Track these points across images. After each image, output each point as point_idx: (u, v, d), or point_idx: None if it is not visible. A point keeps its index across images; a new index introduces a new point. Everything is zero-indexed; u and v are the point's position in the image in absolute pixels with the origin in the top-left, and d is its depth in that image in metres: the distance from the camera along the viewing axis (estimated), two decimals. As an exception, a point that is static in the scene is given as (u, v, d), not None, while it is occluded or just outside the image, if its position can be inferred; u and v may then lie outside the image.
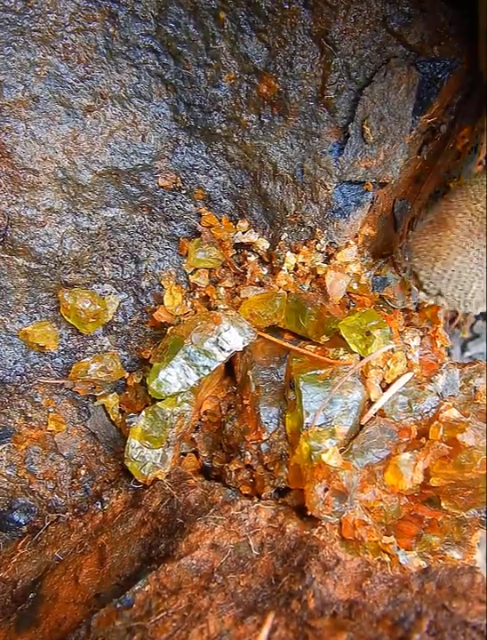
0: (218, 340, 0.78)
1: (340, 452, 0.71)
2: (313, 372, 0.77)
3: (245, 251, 0.88)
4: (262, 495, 0.75)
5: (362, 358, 0.78)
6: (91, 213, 0.80)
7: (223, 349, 0.78)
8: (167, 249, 0.86)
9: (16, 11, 0.70)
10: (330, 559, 0.60)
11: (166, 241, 0.86)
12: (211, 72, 0.77)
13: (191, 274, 0.87)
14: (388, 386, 0.80)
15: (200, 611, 0.56)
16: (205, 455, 0.86)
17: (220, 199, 0.86)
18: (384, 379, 0.80)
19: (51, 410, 0.84)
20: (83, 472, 0.85)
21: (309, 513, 0.67)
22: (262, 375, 0.82)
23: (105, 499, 0.82)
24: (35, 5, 0.70)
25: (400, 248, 0.86)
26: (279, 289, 0.86)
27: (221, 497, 0.74)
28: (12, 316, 0.81)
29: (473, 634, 0.49)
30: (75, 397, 0.86)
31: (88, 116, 0.76)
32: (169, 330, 0.81)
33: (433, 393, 0.80)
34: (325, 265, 0.87)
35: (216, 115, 0.80)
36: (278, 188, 0.84)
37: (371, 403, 0.79)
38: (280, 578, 0.60)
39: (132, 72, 0.76)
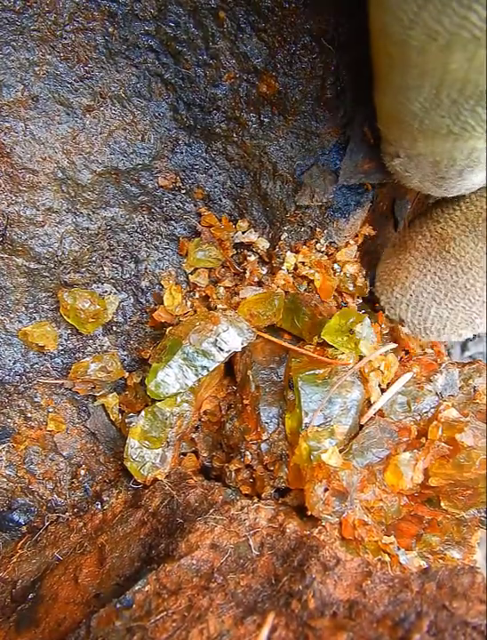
0: (216, 340, 0.78)
1: (340, 451, 0.71)
2: (311, 371, 0.77)
3: (245, 250, 0.88)
4: (262, 495, 0.75)
5: (361, 358, 0.78)
6: (90, 213, 0.80)
7: (222, 350, 0.78)
8: (167, 249, 0.86)
9: (15, 10, 0.70)
10: (330, 559, 0.60)
11: (166, 241, 0.86)
12: (210, 71, 0.77)
13: (191, 274, 0.87)
14: (388, 385, 0.80)
15: (200, 611, 0.56)
16: (205, 455, 0.86)
17: (220, 199, 0.86)
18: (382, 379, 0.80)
19: (50, 410, 0.84)
20: (82, 472, 0.85)
21: (309, 513, 0.67)
22: (262, 375, 0.82)
23: (105, 499, 0.82)
24: (35, 5, 0.70)
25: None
26: (277, 288, 0.86)
27: (221, 497, 0.73)
28: (12, 315, 0.81)
29: (473, 634, 0.49)
30: (75, 397, 0.85)
31: (87, 115, 0.76)
32: (168, 330, 0.81)
33: (432, 393, 0.80)
34: (311, 270, 0.86)
35: (216, 114, 0.80)
36: (278, 187, 0.84)
37: (370, 402, 0.79)
38: (280, 578, 0.60)
39: (132, 71, 0.76)
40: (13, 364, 0.82)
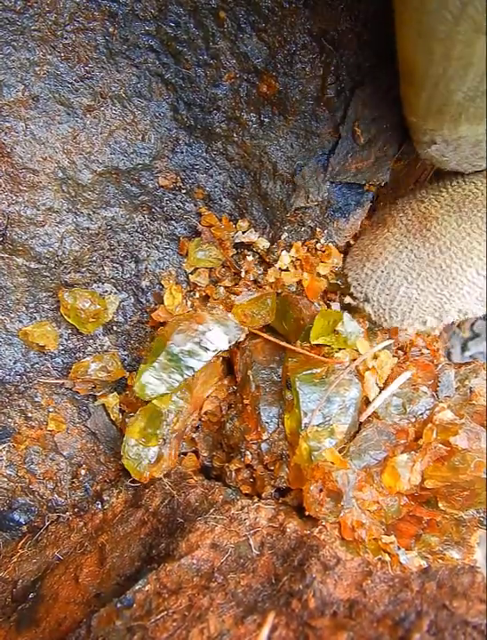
0: (201, 340, 0.77)
1: (339, 452, 0.71)
2: (309, 371, 0.76)
3: (245, 250, 0.88)
4: (262, 495, 0.75)
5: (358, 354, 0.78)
6: (91, 213, 0.80)
7: (207, 349, 0.77)
8: (167, 248, 0.86)
9: (16, 10, 0.70)
10: (330, 559, 0.60)
11: (166, 240, 0.86)
12: (211, 71, 0.77)
13: (191, 273, 0.87)
14: (385, 384, 0.80)
15: (200, 610, 0.56)
16: (205, 455, 0.87)
17: (220, 198, 0.86)
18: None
19: (51, 409, 0.84)
20: (83, 472, 0.85)
21: (307, 512, 0.67)
22: (262, 375, 0.82)
23: (105, 498, 0.82)
24: (35, 5, 0.70)
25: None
26: (269, 288, 0.86)
27: (222, 496, 0.74)
28: (12, 315, 0.81)
29: (473, 633, 0.49)
30: (76, 397, 0.85)
31: (88, 115, 0.76)
32: (158, 330, 0.81)
33: (427, 394, 0.79)
34: (298, 270, 0.86)
35: (216, 114, 0.80)
36: (278, 187, 0.84)
37: (368, 400, 0.79)
38: (280, 577, 0.60)
39: (132, 71, 0.76)
40: (14, 363, 0.82)
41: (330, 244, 0.86)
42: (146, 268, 0.86)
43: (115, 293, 0.85)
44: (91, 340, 0.85)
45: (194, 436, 0.87)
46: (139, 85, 0.77)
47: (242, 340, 0.82)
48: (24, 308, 0.81)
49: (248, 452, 0.78)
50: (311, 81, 0.78)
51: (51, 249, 0.79)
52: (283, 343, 0.82)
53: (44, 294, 0.81)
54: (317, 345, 0.80)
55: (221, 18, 0.74)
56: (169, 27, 0.75)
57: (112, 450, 0.87)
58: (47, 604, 0.71)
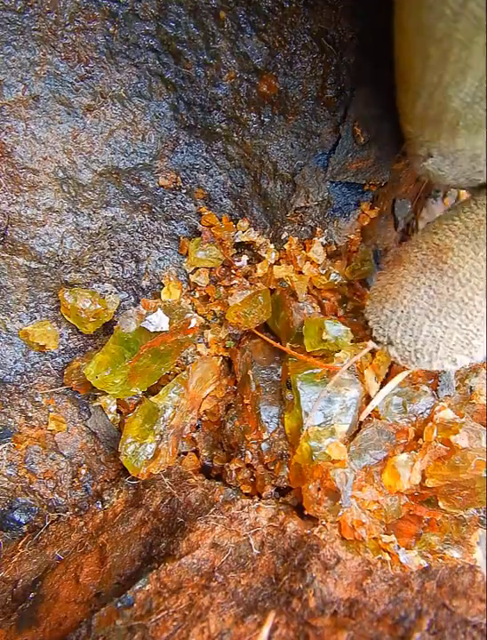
0: (145, 322, 0.78)
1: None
2: (310, 371, 0.77)
3: (245, 250, 0.88)
4: (263, 494, 0.75)
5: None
6: (91, 213, 0.80)
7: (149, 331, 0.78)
8: (167, 248, 0.86)
9: (16, 10, 0.70)
10: (330, 558, 0.60)
11: (167, 240, 0.86)
12: (211, 71, 0.77)
13: (191, 273, 0.87)
14: (384, 382, 0.80)
15: (201, 610, 0.56)
16: (206, 454, 0.87)
17: (221, 198, 0.86)
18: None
19: (51, 409, 0.84)
20: (83, 471, 0.85)
21: (306, 512, 0.67)
22: (262, 374, 0.82)
23: (105, 498, 0.82)
24: (36, 5, 0.70)
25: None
26: (260, 282, 0.85)
27: (222, 496, 0.74)
28: (13, 315, 0.81)
29: (473, 632, 0.49)
30: (76, 397, 0.86)
31: (88, 115, 0.76)
32: None
33: (428, 393, 0.79)
34: (289, 265, 0.86)
35: (216, 114, 0.80)
36: (278, 187, 0.84)
37: (369, 398, 0.79)
38: (280, 577, 0.60)
39: (133, 71, 0.76)
40: (14, 363, 0.82)
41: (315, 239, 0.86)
42: (146, 268, 0.86)
43: (116, 293, 0.85)
44: (91, 340, 0.85)
45: (194, 435, 0.87)
46: (139, 85, 0.77)
47: (194, 324, 0.81)
48: (24, 308, 0.81)
49: (248, 452, 0.78)
50: (311, 81, 0.78)
51: (51, 249, 0.79)
52: (278, 345, 0.82)
53: (45, 294, 0.81)
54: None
55: (221, 18, 0.74)
56: (169, 26, 0.75)
57: (112, 449, 0.87)
58: (48, 604, 0.71)
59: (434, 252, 0.65)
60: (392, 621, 0.52)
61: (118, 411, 0.86)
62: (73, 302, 0.79)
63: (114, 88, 0.76)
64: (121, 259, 0.84)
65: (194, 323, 0.81)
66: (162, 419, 0.79)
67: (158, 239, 0.86)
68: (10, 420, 0.83)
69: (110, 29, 0.74)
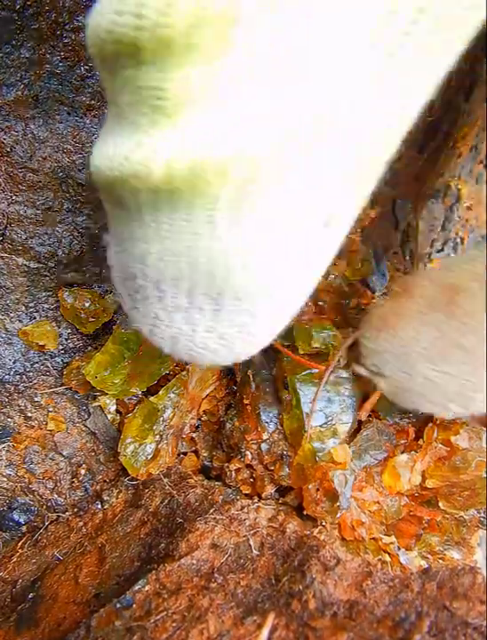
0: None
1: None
2: (307, 371, 0.76)
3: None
4: (262, 495, 0.75)
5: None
6: (91, 212, 0.80)
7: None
8: (167, 248, 0.86)
9: (16, 9, 0.69)
10: (330, 559, 0.60)
11: (166, 240, 0.86)
12: (211, 71, 0.77)
13: (191, 273, 0.87)
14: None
15: (200, 611, 0.56)
16: (205, 455, 0.86)
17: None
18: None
19: (50, 409, 0.84)
20: (82, 471, 0.85)
21: (306, 512, 0.67)
22: (262, 374, 0.82)
23: (105, 498, 0.82)
24: (35, 4, 0.70)
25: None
26: None
27: (221, 496, 0.73)
28: (12, 315, 0.80)
29: (474, 634, 0.49)
30: (75, 397, 0.85)
31: (88, 114, 0.76)
32: None
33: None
34: None
35: (216, 114, 0.80)
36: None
37: (366, 397, 0.78)
38: (280, 578, 0.60)
39: (132, 71, 0.76)
40: (13, 363, 0.82)
41: None
42: (146, 268, 0.85)
43: (115, 293, 0.85)
44: (91, 340, 0.85)
45: (193, 435, 0.87)
46: (139, 85, 0.77)
47: None
48: (24, 308, 0.81)
49: (248, 452, 0.77)
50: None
51: (50, 248, 0.79)
52: (278, 345, 0.82)
53: (44, 294, 0.81)
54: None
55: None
56: (169, 26, 0.74)
57: (112, 449, 0.87)
58: (47, 605, 0.71)
59: (446, 290, 0.60)
60: (392, 623, 0.52)
61: (117, 411, 0.86)
62: (72, 302, 0.79)
63: (113, 87, 0.76)
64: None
65: None
66: (161, 419, 0.79)
67: (158, 239, 0.85)
68: (9, 420, 0.83)
69: (110, 29, 0.73)
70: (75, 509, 0.84)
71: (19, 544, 0.81)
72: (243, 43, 0.30)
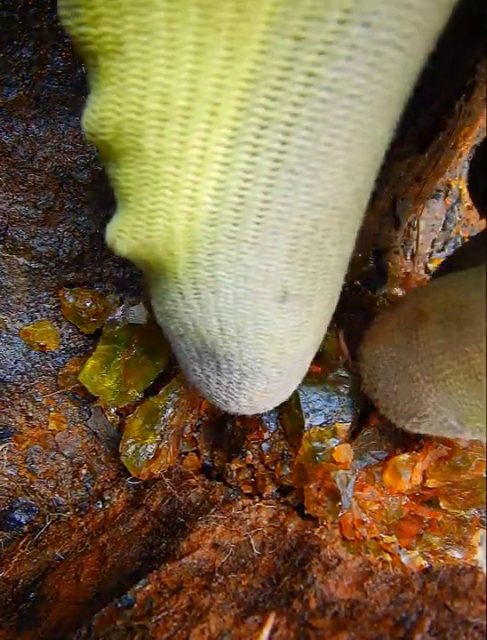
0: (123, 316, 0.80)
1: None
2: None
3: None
4: (263, 494, 0.75)
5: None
6: (92, 212, 0.80)
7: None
8: (168, 248, 0.86)
9: (17, 9, 0.69)
10: (331, 559, 0.60)
11: (167, 240, 0.86)
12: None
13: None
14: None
15: (201, 610, 0.56)
16: (206, 454, 0.86)
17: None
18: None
19: (51, 409, 0.84)
20: (84, 471, 0.85)
21: (307, 512, 0.67)
22: (263, 374, 0.82)
23: (106, 498, 0.82)
24: (37, 4, 0.70)
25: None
26: None
27: (222, 496, 0.74)
28: (13, 315, 0.81)
29: (475, 634, 0.49)
30: (76, 397, 0.85)
31: (89, 114, 0.76)
32: None
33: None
34: None
35: (217, 113, 0.80)
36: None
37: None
38: (281, 577, 0.60)
39: (133, 71, 0.76)
40: (15, 363, 0.82)
41: None
42: (147, 268, 0.86)
43: (116, 293, 0.85)
44: (91, 340, 0.85)
45: (194, 435, 0.87)
46: (140, 85, 0.77)
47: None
48: (25, 308, 0.81)
49: (249, 452, 0.77)
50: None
51: (51, 248, 0.79)
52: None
53: (45, 294, 0.81)
54: None
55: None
56: (170, 26, 0.74)
57: (113, 449, 0.87)
58: (48, 604, 0.71)
59: (413, 316, 0.57)
60: (393, 622, 0.52)
61: (118, 412, 0.86)
62: (73, 302, 0.79)
63: (114, 87, 0.76)
64: (121, 258, 0.84)
65: None
66: (162, 419, 0.79)
67: (159, 239, 0.85)
68: (10, 419, 0.83)
69: (111, 29, 0.73)
70: (77, 509, 0.84)
71: (21, 544, 0.81)
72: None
